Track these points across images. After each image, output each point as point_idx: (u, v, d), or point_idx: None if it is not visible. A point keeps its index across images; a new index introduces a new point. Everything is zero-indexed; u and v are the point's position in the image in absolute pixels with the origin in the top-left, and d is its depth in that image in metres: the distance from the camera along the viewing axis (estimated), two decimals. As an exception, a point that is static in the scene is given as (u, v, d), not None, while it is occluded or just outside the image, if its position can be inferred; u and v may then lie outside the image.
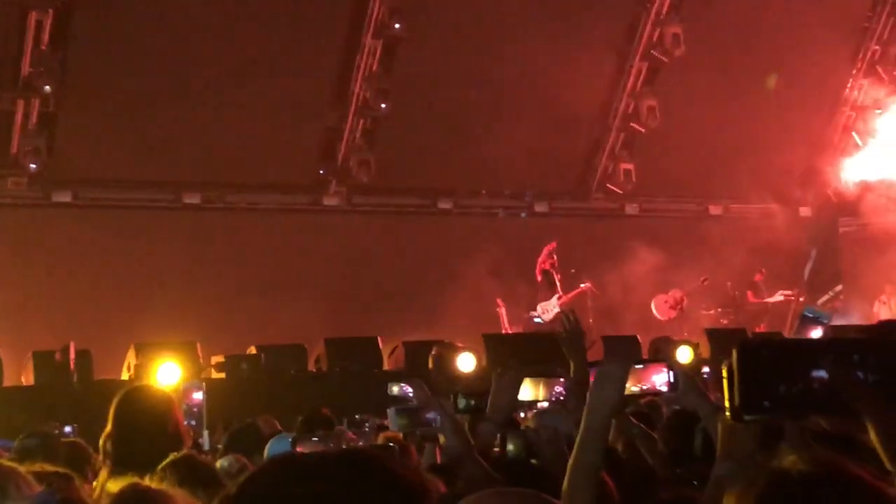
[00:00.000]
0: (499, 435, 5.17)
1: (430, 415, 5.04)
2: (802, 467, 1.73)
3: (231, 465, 5.59)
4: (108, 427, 4.42)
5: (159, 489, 3.40)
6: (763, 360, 1.48)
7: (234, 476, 4.94)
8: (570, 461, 3.21)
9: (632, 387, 3.40)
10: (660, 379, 3.54)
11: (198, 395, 6.33)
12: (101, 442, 4.42)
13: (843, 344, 1.45)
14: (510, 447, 4.83)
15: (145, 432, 4.28)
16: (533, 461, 4.71)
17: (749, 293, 20.61)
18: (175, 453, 3.90)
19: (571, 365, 4.79)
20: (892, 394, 1.41)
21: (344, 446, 6.28)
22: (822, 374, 1.45)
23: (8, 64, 17.10)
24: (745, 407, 1.48)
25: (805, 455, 1.79)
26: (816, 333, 13.08)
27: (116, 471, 4.22)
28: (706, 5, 20.35)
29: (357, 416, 9.02)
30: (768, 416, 1.49)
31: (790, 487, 1.74)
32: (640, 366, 3.55)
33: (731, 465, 3.06)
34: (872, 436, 1.44)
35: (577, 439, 3.22)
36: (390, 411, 5.44)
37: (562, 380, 4.65)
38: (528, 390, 4.57)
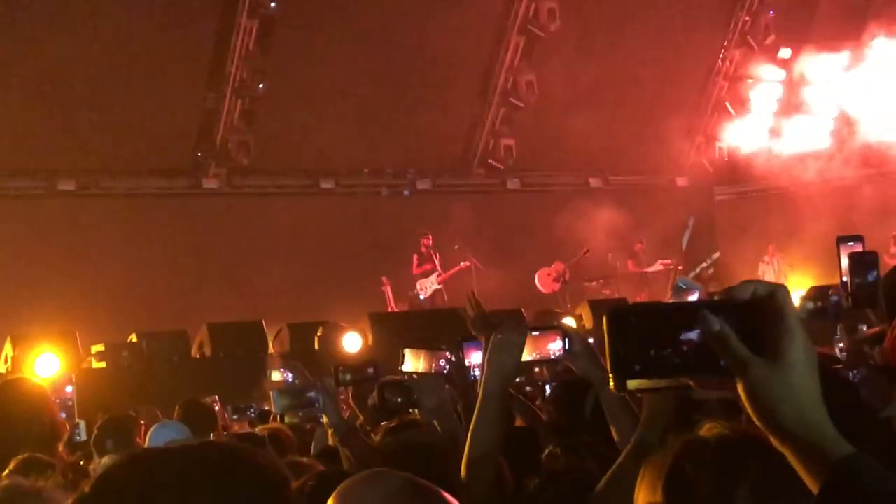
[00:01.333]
0: (377, 386, 5.22)
1: (312, 394, 5.09)
2: (717, 433, 1.77)
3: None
4: None
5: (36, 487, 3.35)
6: (632, 327, 1.52)
7: None
8: (470, 430, 3.26)
9: (526, 355, 3.45)
10: (554, 346, 3.59)
11: (69, 388, 6.26)
12: None
13: (708, 306, 1.50)
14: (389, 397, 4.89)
15: (20, 426, 4.23)
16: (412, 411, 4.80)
17: (629, 263, 20.98)
18: (29, 452, 3.83)
19: (485, 343, 4.84)
20: (756, 349, 1.47)
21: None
22: (691, 336, 1.49)
23: None
24: (617, 372, 1.52)
25: (721, 423, 1.83)
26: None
27: None
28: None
29: (242, 406, 8.95)
30: (640, 378, 1.56)
31: (703, 452, 1.77)
32: (536, 332, 3.59)
33: (646, 433, 3.12)
34: (741, 390, 1.47)
35: (477, 406, 3.27)
36: (273, 393, 5.51)
37: (446, 353, 4.69)
38: (410, 362, 4.61)
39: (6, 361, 13.43)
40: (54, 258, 17.01)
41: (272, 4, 18.60)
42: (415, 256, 19.10)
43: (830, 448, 1.45)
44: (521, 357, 3.33)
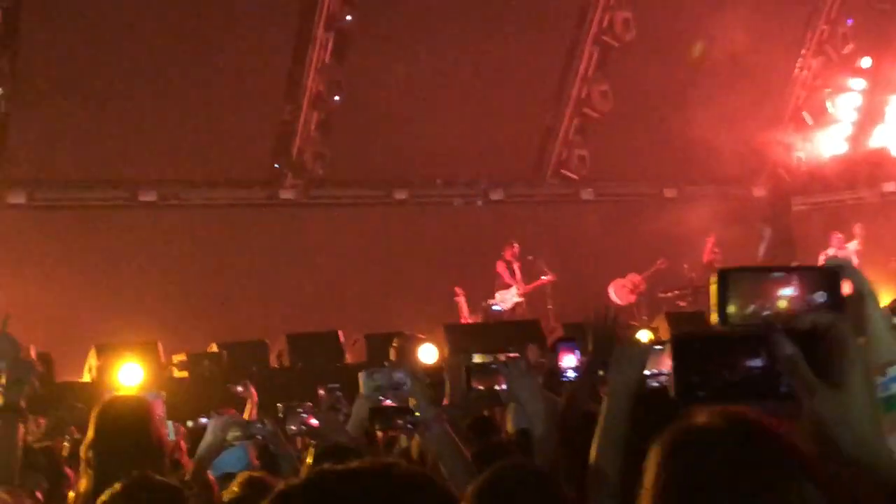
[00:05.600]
0: (464, 368, 5.18)
1: (400, 376, 5.12)
2: (708, 420, 1.80)
3: None
4: (90, 435, 4.44)
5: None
6: (697, 353, 1.59)
7: None
8: (594, 449, 3.28)
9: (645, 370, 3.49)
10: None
11: (158, 406, 6.37)
12: (82, 450, 4.44)
13: (769, 332, 1.58)
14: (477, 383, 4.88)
15: (127, 442, 4.32)
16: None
17: (705, 258, 20.74)
18: (136, 468, 3.91)
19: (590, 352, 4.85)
20: (817, 377, 1.55)
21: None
22: (756, 362, 1.56)
23: (-45, 66, 16.91)
24: (682, 397, 1.59)
25: (715, 410, 1.85)
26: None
27: (99, 480, 4.25)
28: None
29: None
30: (705, 402, 1.64)
31: (692, 437, 1.77)
32: (660, 347, 3.61)
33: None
34: (806, 414, 1.54)
35: (600, 422, 3.29)
36: (361, 375, 5.52)
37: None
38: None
39: (91, 371, 13.69)
40: (136, 268, 17.29)
41: (348, 17, 18.75)
42: (501, 264, 19.04)
43: (886, 472, 1.51)
44: (643, 370, 3.35)
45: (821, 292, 1.64)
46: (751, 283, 1.63)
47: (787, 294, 1.63)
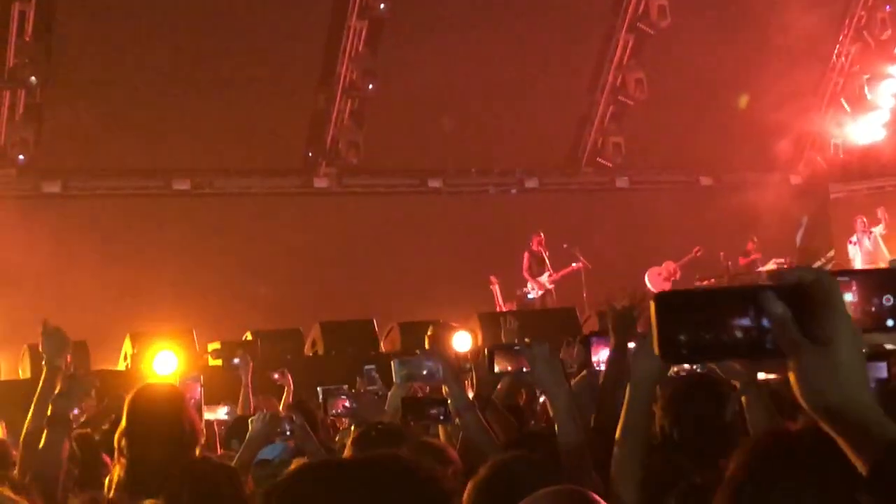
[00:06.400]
0: (487, 351, 5.14)
1: (432, 364, 5.11)
2: (804, 427, 1.78)
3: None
4: (123, 424, 4.44)
5: None
6: (681, 310, 1.58)
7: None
8: (617, 437, 3.26)
9: None
10: None
11: (196, 390, 6.37)
12: (115, 438, 4.44)
13: (758, 290, 1.57)
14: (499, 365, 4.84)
15: (160, 430, 4.31)
16: None
17: (742, 261, 20.64)
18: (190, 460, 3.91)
19: (612, 340, 4.79)
20: (802, 333, 1.53)
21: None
22: (743, 321, 1.55)
23: (-8, 56, 17.02)
24: (665, 355, 1.57)
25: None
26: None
27: (133, 468, 4.25)
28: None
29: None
30: (688, 362, 1.66)
31: (786, 443, 1.78)
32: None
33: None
34: (791, 372, 1.52)
35: (623, 411, 3.26)
36: (393, 363, 5.56)
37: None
38: (500, 363, 4.59)
39: (126, 359, 13.75)
40: (171, 257, 17.33)
41: (381, 6, 18.71)
42: (526, 255, 19.04)
43: (877, 430, 1.49)
44: None
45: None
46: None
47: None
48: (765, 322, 1.55)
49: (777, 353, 1.54)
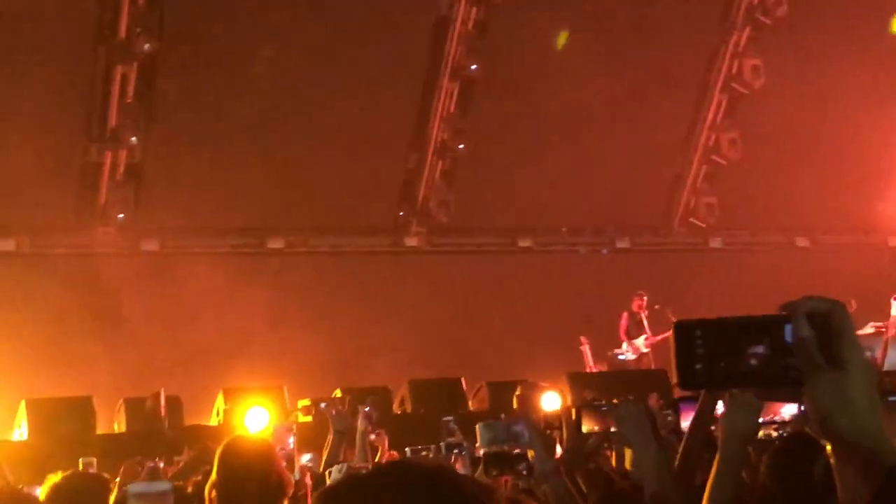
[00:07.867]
0: (575, 409, 5.08)
1: (518, 428, 5.07)
2: None
3: None
4: (213, 476, 4.48)
5: None
6: (699, 339, 1.63)
7: None
8: (707, 493, 3.22)
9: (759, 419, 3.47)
10: (787, 410, 3.59)
11: (290, 440, 6.42)
12: (206, 490, 4.48)
13: (773, 320, 1.64)
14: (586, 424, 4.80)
15: (250, 482, 4.34)
16: None
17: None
18: None
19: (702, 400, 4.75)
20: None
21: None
22: (759, 349, 1.61)
23: (95, 117, 17.50)
24: (683, 382, 1.62)
25: None
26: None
27: None
28: (786, 36, 20.15)
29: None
30: (706, 389, 1.70)
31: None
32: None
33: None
34: (806, 395, 1.57)
35: (715, 468, 3.23)
36: (479, 427, 5.54)
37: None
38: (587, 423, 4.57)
39: (218, 414, 13.89)
40: (263, 313, 17.52)
41: (473, 67, 18.89)
42: (625, 315, 18.79)
43: (883, 455, 1.55)
44: (759, 417, 3.29)
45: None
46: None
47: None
48: (780, 349, 1.61)
49: (790, 382, 1.61)
